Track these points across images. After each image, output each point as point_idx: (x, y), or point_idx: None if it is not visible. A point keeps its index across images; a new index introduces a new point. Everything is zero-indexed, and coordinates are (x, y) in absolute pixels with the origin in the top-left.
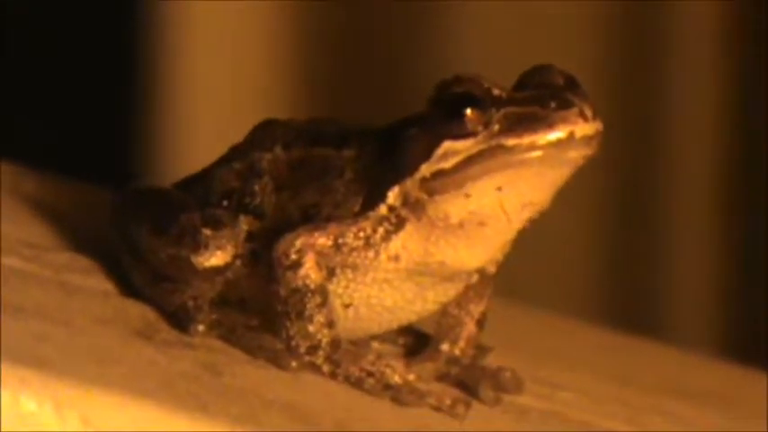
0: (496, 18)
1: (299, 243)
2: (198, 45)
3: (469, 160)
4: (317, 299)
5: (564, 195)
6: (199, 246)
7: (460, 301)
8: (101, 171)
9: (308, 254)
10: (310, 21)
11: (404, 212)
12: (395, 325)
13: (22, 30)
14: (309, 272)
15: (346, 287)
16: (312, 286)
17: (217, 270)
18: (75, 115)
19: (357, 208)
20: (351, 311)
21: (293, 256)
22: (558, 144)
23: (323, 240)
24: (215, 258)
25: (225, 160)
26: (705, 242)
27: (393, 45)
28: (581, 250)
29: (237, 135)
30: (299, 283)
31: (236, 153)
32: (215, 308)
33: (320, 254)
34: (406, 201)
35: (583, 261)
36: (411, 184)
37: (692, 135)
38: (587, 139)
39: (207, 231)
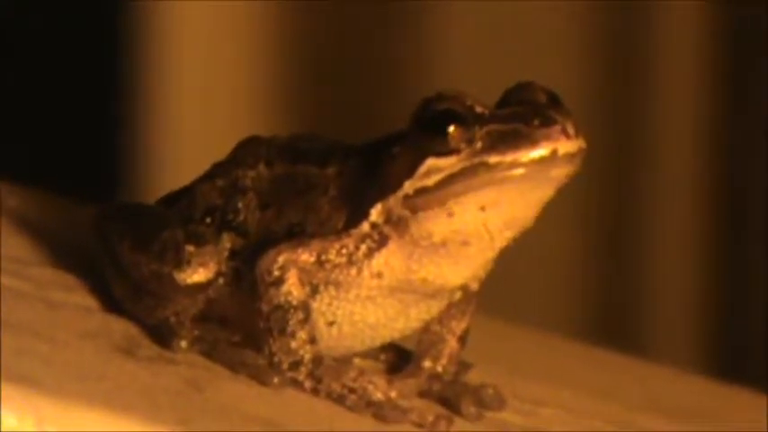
0: (480, 26)
1: (281, 259)
2: (181, 60)
3: (452, 177)
4: (300, 315)
5: (546, 210)
6: (181, 262)
7: (443, 317)
8: (84, 187)
9: (290, 270)
10: (296, 28)
11: (387, 229)
12: (378, 342)
13: (3, 39)
14: (292, 288)
15: (329, 304)
16: (294, 302)
17: (199, 287)
18: (57, 131)
19: (340, 225)
20: (334, 329)
21: (276, 273)
22: (542, 161)
23: (305, 257)
24: (197, 275)
25: (208, 177)
26: (689, 257)
27: (377, 54)
28: (563, 266)
29: (220, 150)
30: (282, 299)
31: (219, 170)
32: (197, 323)
33: (303, 270)
34: (388, 218)
35: (565, 277)
36: (394, 201)
37: (675, 148)
38: (570, 157)
39: (190, 248)
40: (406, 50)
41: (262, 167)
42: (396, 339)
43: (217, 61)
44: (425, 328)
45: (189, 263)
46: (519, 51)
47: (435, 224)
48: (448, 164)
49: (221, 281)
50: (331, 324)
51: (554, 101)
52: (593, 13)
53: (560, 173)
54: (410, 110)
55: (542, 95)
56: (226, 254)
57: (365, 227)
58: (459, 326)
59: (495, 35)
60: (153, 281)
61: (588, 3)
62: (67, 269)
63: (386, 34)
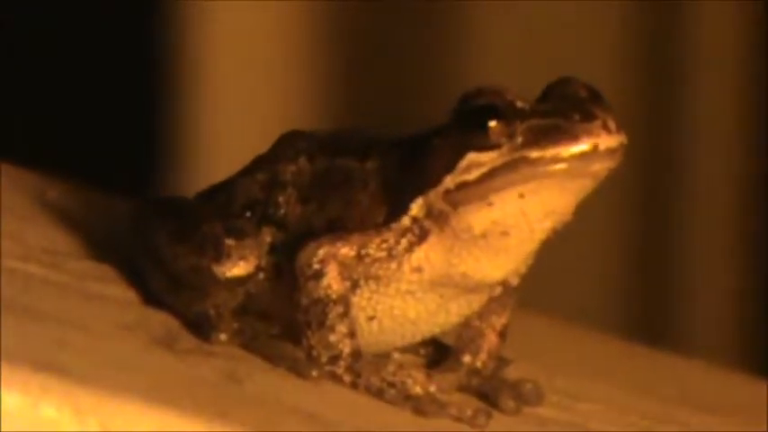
0: (520, 22)
1: (321, 253)
2: (219, 54)
3: (493, 172)
4: (339, 308)
5: (584, 206)
6: (221, 255)
7: (482, 313)
8: (123, 181)
9: (330, 264)
10: (334, 25)
11: (427, 224)
12: (418, 337)
13: (46, 36)
14: (331, 281)
15: (369, 299)
16: (334, 296)
17: (239, 280)
18: (97, 124)
19: (381, 219)
20: (374, 324)
21: (315, 266)
22: (582, 156)
23: (346, 250)
24: (237, 268)
25: (248, 171)
26: (728, 252)
27: (417, 49)
28: (602, 261)
29: (258, 145)
30: (321, 292)
31: (259, 164)
32: (236, 316)
33: (343, 264)
34: (429, 212)
35: (603, 272)
36: (434, 195)
37: (715, 145)
38: (611, 152)
39: (229, 241)
40: (445, 49)
41: (302, 161)
42: (436, 335)
43: (256, 56)
44: (465, 323)
45: (229, 256)
46: (557, 49)
47: (476, 217)
48: (489, 159)
49: (261, 275)
50: (371, 319)
51: (595, 96)
52: (632, 11)
53: (601, 167)
54: (449, 107)
55: (583, 90)
56: (266, 248)
57: (405, 221)
58: (498, 321)
59: (534, 34)
60: (192, 274)
61: (627, 2)
62: (106, 262)
63: (425, 32)
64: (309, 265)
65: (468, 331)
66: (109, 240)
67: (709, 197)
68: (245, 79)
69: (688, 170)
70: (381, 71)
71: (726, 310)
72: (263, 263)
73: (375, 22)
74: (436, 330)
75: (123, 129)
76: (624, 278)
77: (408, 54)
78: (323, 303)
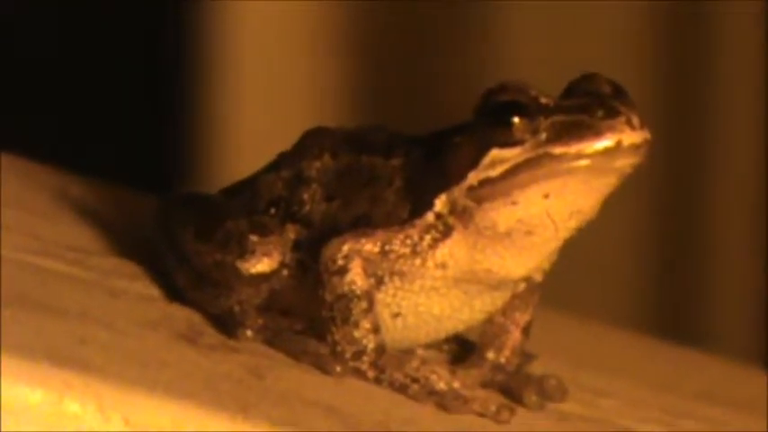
0: (543, 20)
1: (345, 248)
2: (244, 50)
3: (517, 168)
4: (363, 304)
5: (608, 203)
6: (245, 251)
7: (506, 309)
8: (146, 177)
9: (354, 259)
10: (358, 25)
11: (451, 220)
12: (442, 334)
13: (72, 33)
14: (356, 277)
15: (394, 295)
16: (358, 292)
17: (263, 277)
18: (120, 122)
19: (405, 216)
20: (399, 321)
21: (340, 262)
22: (606, 153)
23: (369, 246)
24: (261, 265)
25: (272, 168)
26: (750, 250)
27: (439, 47)
28: (624, 258)
29: (283, 141)
30: (346, 288)
31: (284, 160)
32: (260, 313)
33: (367, 260)
34: (453, 208)
35: (626, 269)
36: (458, 191)
37: (739, 146)
38: (635, 148)
39: (254, 237)
40: (468, 47)
41: (327, 158)
42: (460, 331)
43: (280, 50)
44: (489, 320)
45: (253, 253)
46: (582, 49)
47: (500, 214)
48: (512, 155)
49: (285, 272)
50: (396, 316)
51: (618, 92)
52: (658, 11)
53: (625, 164)
54: (473, 102)
55: (607, 87)
56: (290, 245)
57: (429, 217)
58: (522, 317)
59: (560, 33)
60: (216, 270)
61: (653, 2)
62: (129, 258)
63: (447, 30)
64: (334, 261)
65: (491, 327)
66: (132, 237)
67: (736, 196)
68: (269, 76)
69: (711, 167)
70: (404, 68)
71: (747, 306)
72: (287, 259)
73: (398, 21)
74: (460, 327)
75: (146, 125)
76: (647, 275)
77: (431, 51)
78: (347, 299)
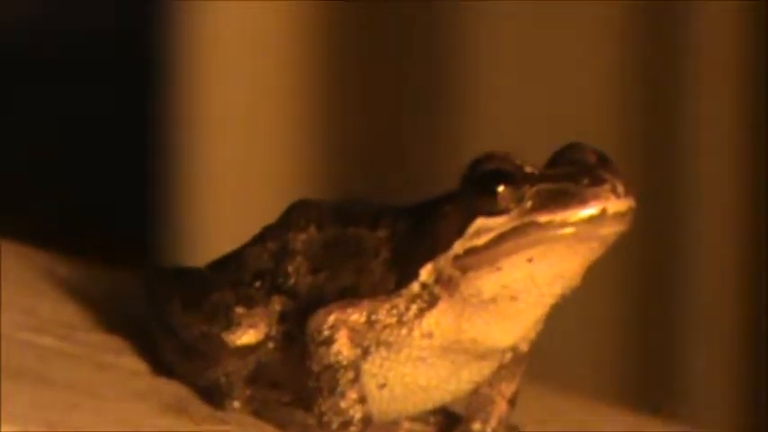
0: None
1: (331, 319)
2: (221, 126)
3: (502, 237)
4: (350, 374)
5: (597, 273)
6: (231, 323)
7: (492, 380)
8: (130, 255)
9: (340, 330)
10: (332, 82)
11: (437, 289)
12: (429, 405)
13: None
14: (342, 348)
15: (381, 366)
16: (344, 362)
17: (249, 348)
18: (102, 202)
19: (391, 286)
20: (386, 392)
21: (326, 332)
22: (591, 221)
23: (356, 316)
24: (247, 336)
25: (258, 240)
26: (737, 327)
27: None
28: (611, 331)
29: (263, 215)
30: (332, 358)
31: (269, 233)
32: (248, 384)
33: (353, 330)
34: (438, 278)
35: (612, 343)
36: (444, 261)
37: (720, 212)
38: (620, 216)
39: (239, 309)
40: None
41: (312, 230)
42: (447, 402)
43: (257, 128)
44: (475, 391)
45: (239, 324)
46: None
47: (484, 281)
48: (498, 223)
49: (271, 344)
50: (382, 386)
51: (603, 160)
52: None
53: (610, 231)
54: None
55: (592, 155)
56: (276, 317)
57: (415, 287)
58: (508, 388)
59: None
60: (203, 342)
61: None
62: (116, 333)
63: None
64: (320, 331)
65: (477, 398)
66: (119, 313)
67: (722, 266)
68: (245, 152)
69: (691, 233)
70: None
71: (732, 383)
72: (274, 331)
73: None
74: (447, 398)
75: (129, 204)
76: (634, 348)
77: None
78: (333, 369)
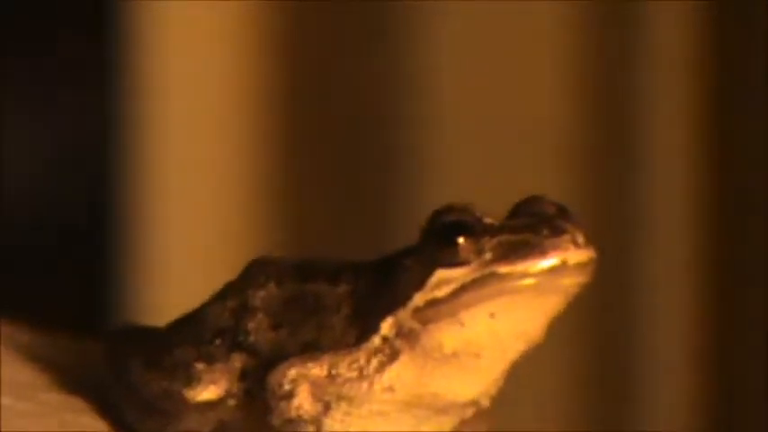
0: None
1: (292, 373)
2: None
3: (463, 289)
4: (311, 429)
5: (560, 330)
6: (192, 379)
7: None
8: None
9: (301, 384)
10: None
11: (397, 343)
12: None
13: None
14: (303, 402)
15: (342, 421)
16: (306, 416)
17: (209, 405)
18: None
19: (352, 341)
20: None
21: (287, 387)
22: (552, 271)
23: (317, 370)
24: (208, 392)
25: (219, 298)
26: (697, 370)
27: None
28: (571, 386)
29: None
30: (293, 413)
31: (229, 290)
32: None
33: (314, 384)
34: (399, 331)
35: (574, 397)
36: (404, 313)
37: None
38: (580, 267)
39: (200, 365)
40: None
41: (272, 287)
42: None
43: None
44: None
45: (199, 380)
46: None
47: (446, 335)
48: (458, 275)
49: (232, 402)
50: None
51: (563, 212)
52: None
53: (571, 282)
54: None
55: (551, 207)
56: (237, 373)
57: (376, 341)
58: None
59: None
60: (164, 399)
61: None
62: (76, 394)
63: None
64: (280, 385)
65: None
66: (80, 375)
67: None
68: (198, 215)
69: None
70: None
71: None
72: (235, 389)
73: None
74: None
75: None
76: (594, 404)
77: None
78: (295, 423)
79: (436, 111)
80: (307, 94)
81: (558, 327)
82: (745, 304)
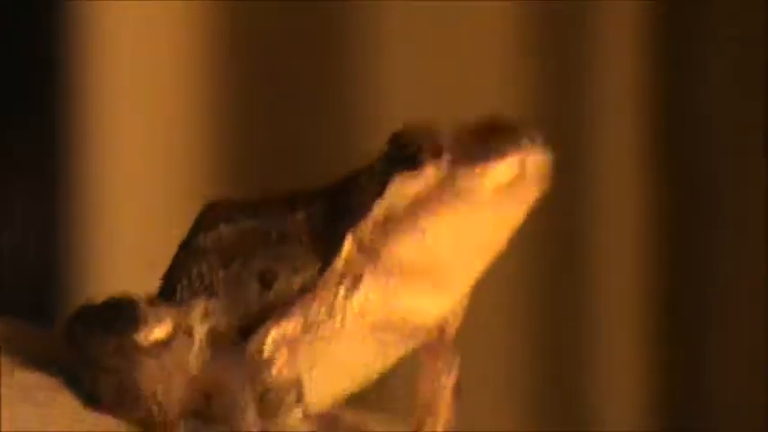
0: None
1: (270, 339)
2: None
3: (421, 198)
4: (293, 395)
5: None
6: (137, 323)
7: (432, 378)
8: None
9: (281, 348)
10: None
11: (359, 263)
12: (354, 387)
13: None
14: (283, 368)
15: (312, 351)
16: (286, 384)
17: (164, 345)
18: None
19: (316, 268)
20: (314, 371)
21: (266, 354)
22: (511, 174)
23: (292, 326)
24: (156, 332)
25: (174, 257)
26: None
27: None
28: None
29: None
30: (274, 382)
31: (182, 244)
32: (188, 419)
33: (292, 341)
34: (360, 247)
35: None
36: (364, 227)
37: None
38: (539, 168)
39: (142, 309)
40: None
41: (222, 227)
42: (373, 381)
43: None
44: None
45: (145, 322)
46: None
47: (407, 248)
48: (417, 182)
49: (187, 340)
50: (311, 368)
51: (520, 120)
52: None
53: (531, 187)
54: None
55: (509, 119)
56: (198, 318)
57: (339, 265)
58: (449, 381)
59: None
60: (119, 355)
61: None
62: (50, 375)
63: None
64: (260, 352)
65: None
66: (50, 360)
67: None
68: (145, 219)
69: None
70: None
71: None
72: (185, 325)
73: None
74: (375, 377)
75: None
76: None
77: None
78: (275, 390)
79: (386, 111)
80: (256, 96)
81: (513, 318)
82: (699, 300)
